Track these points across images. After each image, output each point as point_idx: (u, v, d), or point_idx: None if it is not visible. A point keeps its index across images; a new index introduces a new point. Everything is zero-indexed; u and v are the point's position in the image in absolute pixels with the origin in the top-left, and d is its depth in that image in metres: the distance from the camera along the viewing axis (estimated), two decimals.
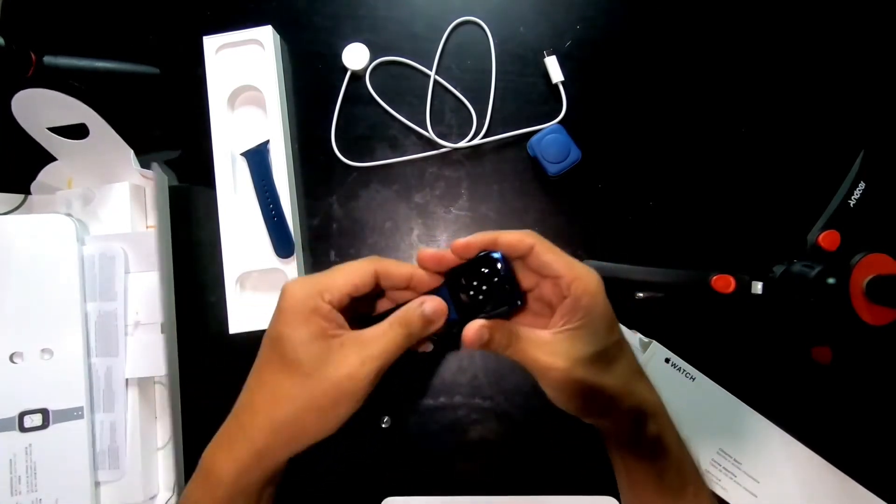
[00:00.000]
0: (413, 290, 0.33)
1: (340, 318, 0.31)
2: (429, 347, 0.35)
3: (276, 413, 0.29)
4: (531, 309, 0.34)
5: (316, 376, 0.29)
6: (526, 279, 0.33)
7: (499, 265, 0.32)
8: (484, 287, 0.32)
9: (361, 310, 0.34)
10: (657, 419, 0.33)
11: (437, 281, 0.33)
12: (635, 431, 0.33)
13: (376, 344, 0.30)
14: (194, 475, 0.31)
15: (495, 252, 0.32)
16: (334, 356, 0.29)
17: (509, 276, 0.32)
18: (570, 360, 0.30)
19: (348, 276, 0.31)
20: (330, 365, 0.29)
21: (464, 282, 0.32)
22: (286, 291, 0.30)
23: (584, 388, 0.31)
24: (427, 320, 0.31)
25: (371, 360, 0.29)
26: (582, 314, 0.31)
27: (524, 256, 0.32)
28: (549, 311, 0.33)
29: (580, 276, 0.31)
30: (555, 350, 0.31)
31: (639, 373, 0.34)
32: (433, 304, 0.31)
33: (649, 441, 0.33)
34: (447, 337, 0.35)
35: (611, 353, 0.32)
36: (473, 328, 0.30)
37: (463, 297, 0.32)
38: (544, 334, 0.31)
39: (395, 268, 0.32)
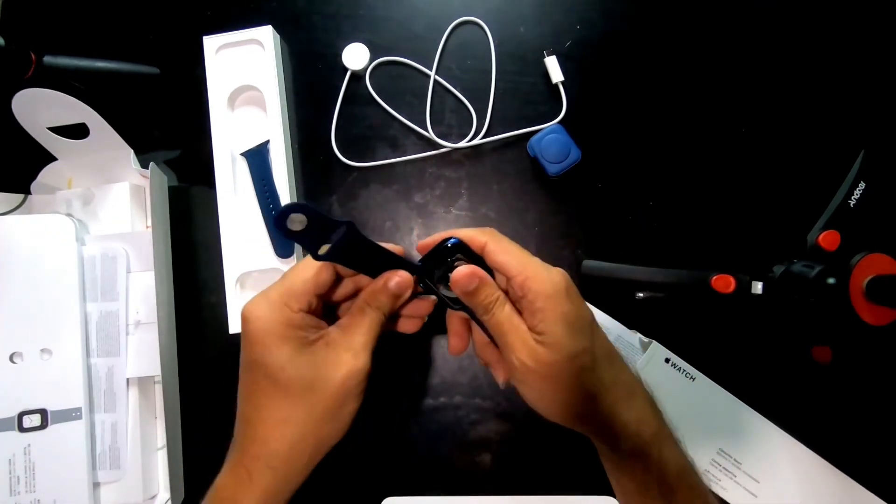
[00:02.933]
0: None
1: (314, 320, 0.31)
2: (414, 327, 0.35)
3: (289, 436, 0.29)
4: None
5: (316, 387, 0.29)
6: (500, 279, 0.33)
7: (448, 244, 0.32)
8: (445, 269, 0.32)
9: (326, 299, 0.34)
10: (632, 438, 0.31)
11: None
12: (607, 447, 0.31)
13: (359, 332, 0.30)
14: None
15: (451, 239, 0.32)
16: (326, 359, 0.29)
17: (461, 250, 0.32)
18: (534, 361, 0.29)
19: (307, 276, 0.30)
20: (325, 369, 0.29)
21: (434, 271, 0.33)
22: (249, 315, 0.29)
23: (544, 390, 0.30)
24: (394, 296, 0.31)
25: (362, 349, 0.30)
26: (539, 318, 0.29)
27: (482, 254, 0.32)
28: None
29: (533, 277, 0.29)
30: (526, 339, 0.30)
31: (613, 387, 0.31)
32: (397, 279, 0.31)
33: (625, 457, 0.31)
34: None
35: (577, 363, 0.29)
36: (466, 270, 0.31)
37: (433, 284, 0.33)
38: (522, 323, 0.30)
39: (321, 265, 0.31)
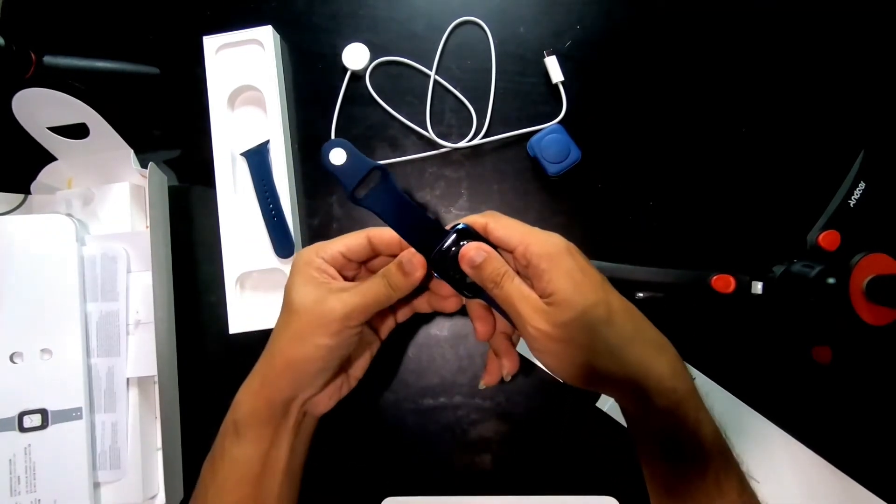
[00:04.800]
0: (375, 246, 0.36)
1: (332, 270, 0.35)
2: (453, 307, 0.37)
3: (272, 346, 0.34)
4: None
5: (300, 311, 0.33)
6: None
7: (458, 227, 0.33)
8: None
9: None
10: (666, 393, 0.30)
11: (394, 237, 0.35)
12: (637, 405, 0.31)
13: (357, 290, 0.33)
14: (227, 424, 0.35)
15: (459, 224, 0.34)
16: (318, 295, 0.33)
17: (468, 235, 0.33)
18: (548, 321, 0.30)
19: (343, 239, 0.36)
20: (312, 301, 0.33)
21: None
22: (295, 256, 0.36)
23: (562, 353, 0.30)
24: (403, 270, 0.33)
25: (345, 301, 0.33)
26: (546, 279, 0.30)
27: (485, 235, 0.33)
28: None
29: (533, 242, 0.31)
30: (538, 307, 0.30)
31: (639, 341, 0.31)
32: (408, 255, 0.33)
33: (657, 417, 0.31)
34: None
35: (593, 317, 0.30)
36: (472, 247, 0.32)
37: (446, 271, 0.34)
38: (532, 292, 0.31)
39: (386, 232, 0.35)
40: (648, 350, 0.31)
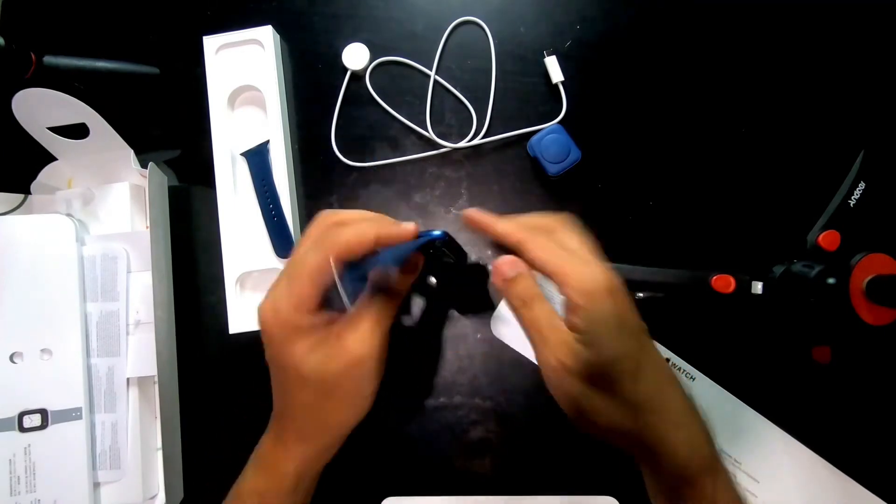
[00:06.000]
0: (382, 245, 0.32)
1: (323, 316, 0.31)
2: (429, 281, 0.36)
3: (312, 419, 0.32)
4: None
5: (330, 378, 0.30)
6: None
7: (436, 240, 0.32)
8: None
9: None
10: (678, 468, 0.28)
11: (405, 232, 0.32)
12: (646, 467, 0.30)
13: (365, 319, 0.31)
14: (254, 468, 0.33)
15: (437, 233, 0.32)
16: (337, 351, 0.30)
17: (447, 245, 0.32)
18: (568, 363, 0.28)
19: (310, 278, 0.30)
20: (336, 361, 0.30)
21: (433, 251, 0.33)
22: (262, 322, 0.31)
23: (578, 401, 0.28)
24: (402, 279, 0.32)
25: (369, 335, 0.31)
26: (580, 317, 0.28)
27: (519, 251, 0.31)
28: None
29: (572, 274, 0.28)
30: (562, 339, 0.28)
31: (659, 408, 0.28)
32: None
33: (667, 483, 0.29)
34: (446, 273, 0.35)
35: (619, 369, 0.27)
36: (507, 260, 0.31)
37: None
38: (562, 325, 0.29)
39: (356, 240, 0.30)
40: (667, 419, 0.29)
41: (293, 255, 0.32)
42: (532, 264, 0.30)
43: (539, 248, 0.29)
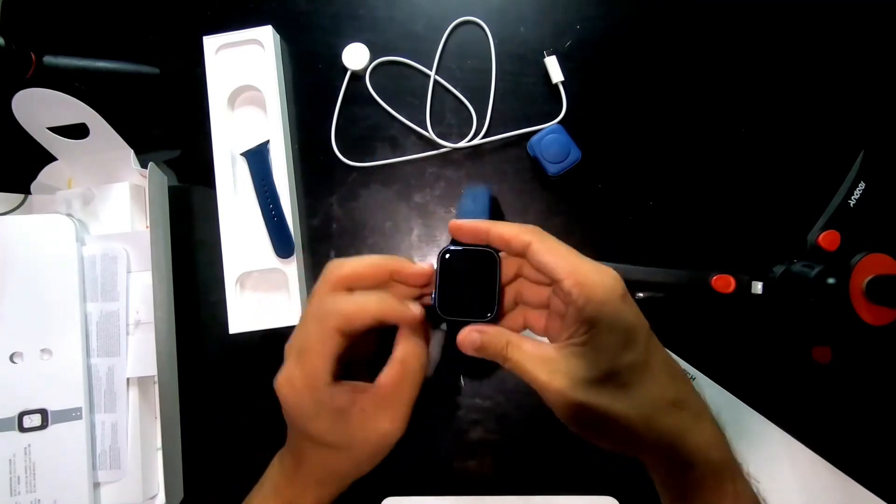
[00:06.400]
0: (401, 282, 0.32)
1: (345, 386, 0.31)
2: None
3: (331, 475, 0.32)
4: (555, 311, 0.31)
5: (353, 446, 0.31)
6: (537, 277, 0.31)
7: (487, 269, 0.31)
8: (459, 288, 0.31)
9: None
10: (702, 465, 0.27)
11: (420, 278, 0.32)
12: (668, 475, 0.29)
13: (396, 399, 0.31)
14: (272, 497, 0.33)
15: (491, 249, 0.31)
16: (363, 426, 0.30)
17: (483, 285, 0.31)
18: (571, 381, 0.27)
19: (318, 354, 0.30)
20: (363, 433, 0.30)
21: (450, 271, 0.31)
22: (281, 396, 0.31)
23: (589, 414, 0.27)
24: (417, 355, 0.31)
25: (398, 417, 0.31)
26: (587, 327, 0.27)
27: (522, 255, 0.30)
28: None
29: (584, 282, 0.27)
30: (556, 367, 0.27)
31: (675, 405, 0.27)
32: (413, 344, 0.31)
33: (691, 487, 0.28)
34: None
35: (627, 375, 0.27)
36: (464, 332, 0.30)
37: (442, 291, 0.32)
38: (547, 349, 0.29)
39: (362, 311, 0.30)
40: (687, 417, 0.28)
41: (298, 328, 0.31)
42: (538, 266, 0.29)
43: (548, 249, 0.28)
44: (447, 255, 0.31)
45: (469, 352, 0.30)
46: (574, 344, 0.27)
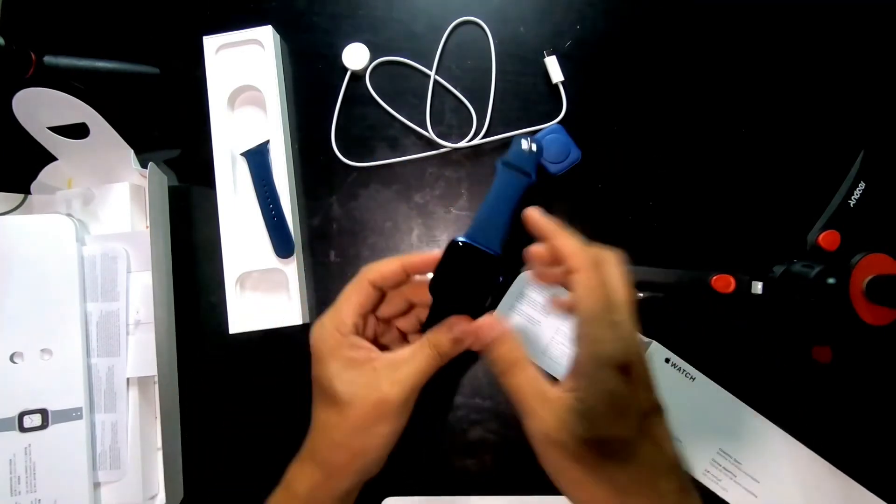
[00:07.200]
0: (412, 272, 0.34)
1: (365, 343, 0.32)
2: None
3: (328, 440, 0.32)
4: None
5: (354, 402, 0.31)
6: None
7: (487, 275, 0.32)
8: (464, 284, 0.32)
9: (399, 326, 0.36)
10: None
11: (426, 264, 0.33)
12: None
13: (406, 367, 0.31)
14: (278, 488, 0.33)
15: (500, 256, 0.31)
16: (368, 381, 0.31)
17: (478, 286, 0.31)
18: (557, 434, 0.26)
19: (349, 300, 0.33)
20: (364, 389, 0.31)
21: (454, 260, 0.32)
22: (311, 336, 0.33)
23: (561, 472, 0.27)
24: (457, 341, 0.32)
25: (400, 383, 0.31)
26: (583, 385, 0.26)
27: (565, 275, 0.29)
28: None
29: (592, 340, 0.26)
30: (553, 408, 0.27)
31: (675, 470, 0.26)
32: (461, 327, 0.32)
33: None
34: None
35: (617, 448, 0.26)
36: (489, 321, 0.31)
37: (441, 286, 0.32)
38: (550, 389, 0.28)
39: (386, 266, 0.33)
40: (678, 481, 0.27)
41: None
42: (570, 299, 0.28)
43: (587, 294, 0.27)
44: (458, 244, 0.32)
45: (480, 341, 0.31)
46: (572, 396, 0.27)
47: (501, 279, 0.32)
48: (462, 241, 0.32)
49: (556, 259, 0.30)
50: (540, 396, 0.28)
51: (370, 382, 0.31)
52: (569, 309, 0.30)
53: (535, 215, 0.32)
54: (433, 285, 0.32)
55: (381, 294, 0.34)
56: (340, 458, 0.32)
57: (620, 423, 0.26)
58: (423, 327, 0.34)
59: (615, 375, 0.25)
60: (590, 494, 0.27)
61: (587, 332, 0.27)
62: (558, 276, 0.30)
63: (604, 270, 0.28)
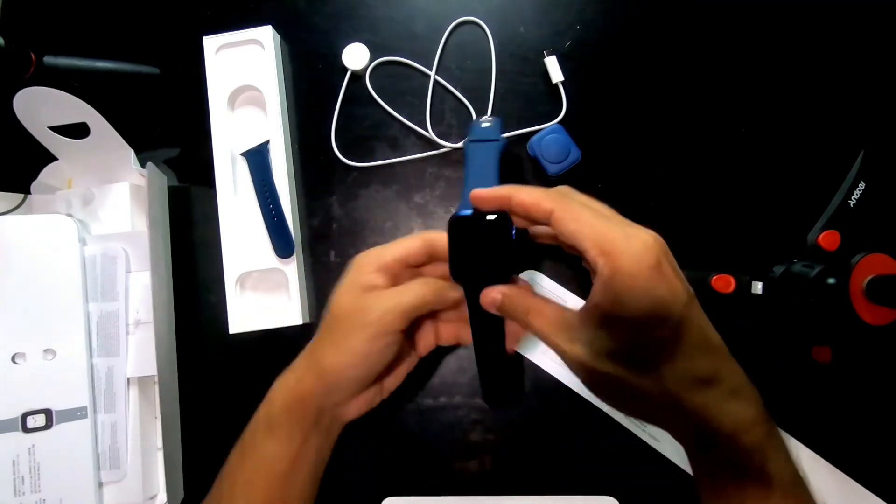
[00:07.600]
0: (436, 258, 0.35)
1: (382, 279, 0.33)
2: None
3: (313, 348, 0.34)
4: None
5: (339, 315, 0.33)
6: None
7: (499, 235, 0.30)
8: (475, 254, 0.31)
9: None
10: (738, 446, 0.26)
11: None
12: (694, 449, 0.28)
13: (395, 290, 0.33)
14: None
15: (507, 215, 0.30)
16: (373, 300, 0.32)
17: (496, 249, 0.30)
18: (591, 350, 0.26)
19: (402, 243, 0.34)
20: (369, 305, 0.32)
21: (461, 238, 0.31)
22: (353, 261, 0.35)
23: (608, 385, 0.26)
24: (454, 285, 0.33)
25: (384, 300, 0.32)
26: (612, 298, 0.25)
27: (550, 223, 0.28)
28: None
29: (610, 251, 0.25)
30: (577, 337, 0.27)
31: (704, 382, 0.26)
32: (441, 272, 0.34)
33: (727, 468, 0.27)
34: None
35: (652, 349, 0.25)
36: (486, 291, 0.31)
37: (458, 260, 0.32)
38: (569, 316, 0.28)
39: (438, 235, 0.33)
40: (715, 395, 0.26)
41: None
42: (563, 235, 0.27)
43: (573, 218, 0.27)
44: (456, 222, 0.31)
45: (491, 310, 0.31)
46: (598, 314, 0.26)
47: (514, 233, 0.31)
48: (459, 216, 0.31)
49: (528, 215, 0.29)
50: (563, 331, 0.28)
51: (375, 301, 0.32)
52: (552, 238, 0.32)
53: (481, 194, 0.31)
54: (453, 272, 0.32)
55: (427, 259, 0.35)
56: (314, 367, 0.33)
57: (661, 322, 0.25)
58: (471, 319, 0.34)
59: (650, 275, 0.25)
60: (642, 405, 0.26)
61: (601, 251, 0.25)
62: (548, 230, 0.30)
63: (573, 197, 0.29)
